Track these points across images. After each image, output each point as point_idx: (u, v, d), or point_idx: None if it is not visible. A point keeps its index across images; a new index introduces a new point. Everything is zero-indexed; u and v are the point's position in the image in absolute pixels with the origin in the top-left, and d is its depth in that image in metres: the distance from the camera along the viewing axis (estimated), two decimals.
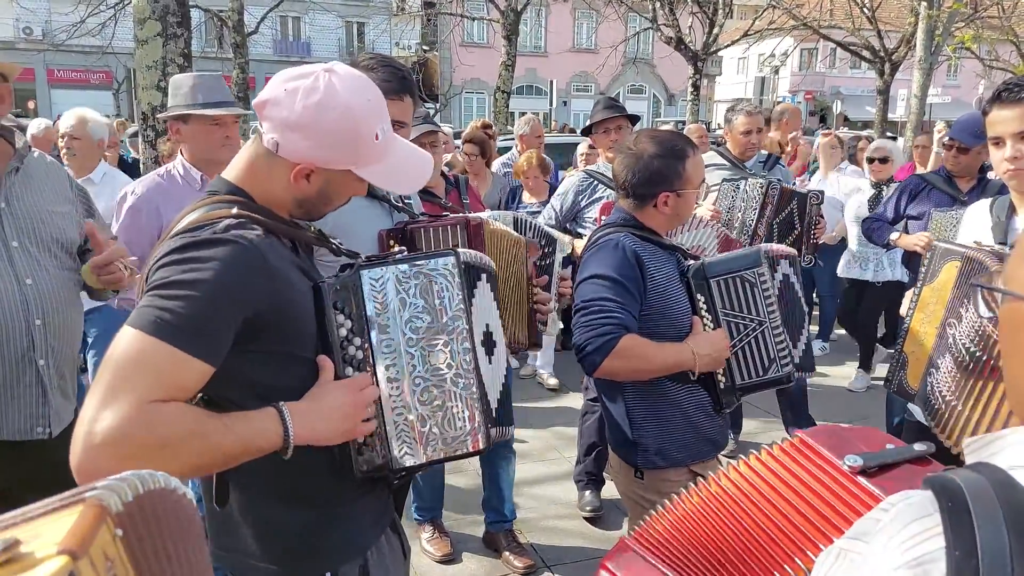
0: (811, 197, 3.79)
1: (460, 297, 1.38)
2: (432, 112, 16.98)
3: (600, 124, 3.77)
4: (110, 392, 1.09)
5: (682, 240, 2.88)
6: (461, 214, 2.25)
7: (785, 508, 1.23)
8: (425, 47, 29.20)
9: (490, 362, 1.47)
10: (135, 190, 2.69)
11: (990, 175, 3.72)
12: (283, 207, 1.37)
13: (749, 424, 4.60)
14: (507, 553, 3.27)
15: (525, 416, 4.60)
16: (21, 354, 1.98)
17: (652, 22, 17.84)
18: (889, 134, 9.05)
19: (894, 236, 3.89)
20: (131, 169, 5.85)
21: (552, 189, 4.87)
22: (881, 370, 4.92)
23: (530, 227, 2.40)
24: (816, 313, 6.24)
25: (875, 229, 4.03)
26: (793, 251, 2.22)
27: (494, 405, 1.46)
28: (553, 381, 5.33)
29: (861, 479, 1.16)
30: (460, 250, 1.43)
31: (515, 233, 2.24)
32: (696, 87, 17.59)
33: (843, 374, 5.59)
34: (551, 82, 21.16)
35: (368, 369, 1.35)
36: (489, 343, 1.48)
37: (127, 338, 1.14)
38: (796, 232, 3.75)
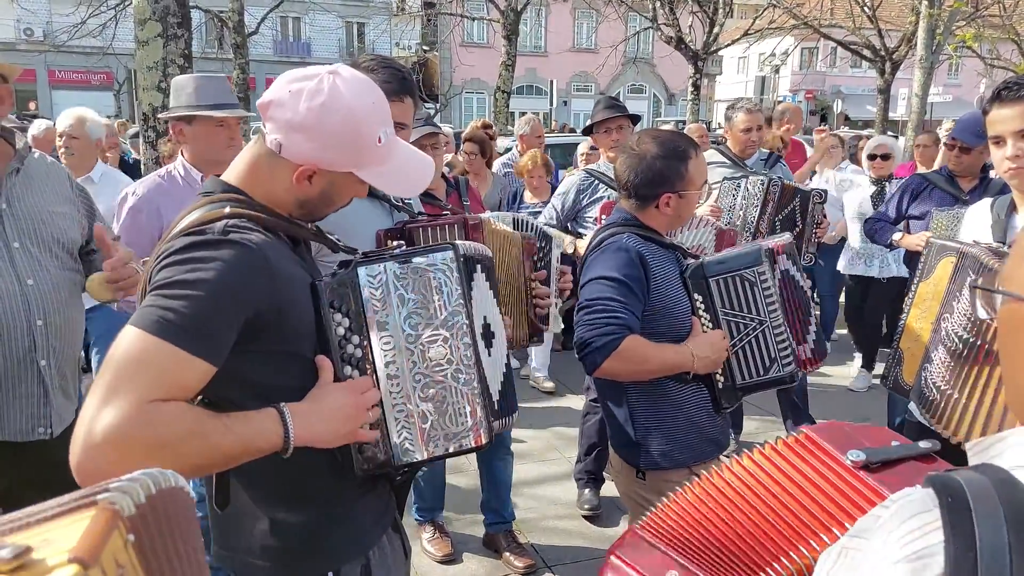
0: (814, 195, 3.79)
1: (459, 292, 1.37)
2: (432, 112, 16.99)
3: (601, 124, 3.77)
4: (111, 391, 1.10)
5: (682, 239, 2.88)
6: (460, 214, 2.25)
7: (787, 500, 1.23)
8: (425, 47, 29.22)
9: (489, 354, 1.46)
10: (136, 191, 2.69)
11: (992, 174, 3.71)
12: (284, 208, 1.37)
13: (749, 424, 4.60)
14: (507, 553, 3.28)
15: (525, 416, 4.60)
16: (22, 354, 1.98)
17: (652, 22, 17.85)
18: (890, 133, 9.04)
19: (896, 236, 3.89)
20: (132, 170, 5.86)
21: (553, 189, 4.87)
22: (881, 370, 4.91)
23: (527, 226, 2.40)
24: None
25: (877, 230, 4.03)
26: (790, 238, 2.19)
27: (496, 397, 1.46)
28: (549, 384, 5.32)
29: (863, 474, 1.16)
30: (458, 242, 1.43)
31: (510, 230, 2.24)
32: (696, 87, 17.60)
33: (844, 374, 5.59)
34: (551, 82, 21.16)
35: (368, 367, 1.35)
36: (488, 334, 1.47)
37: (129, 337, 1.14)
38: (798, 229, 3.74)
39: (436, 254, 1.37)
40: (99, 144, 4.16)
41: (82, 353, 2.38)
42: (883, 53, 16.92)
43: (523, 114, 7.37)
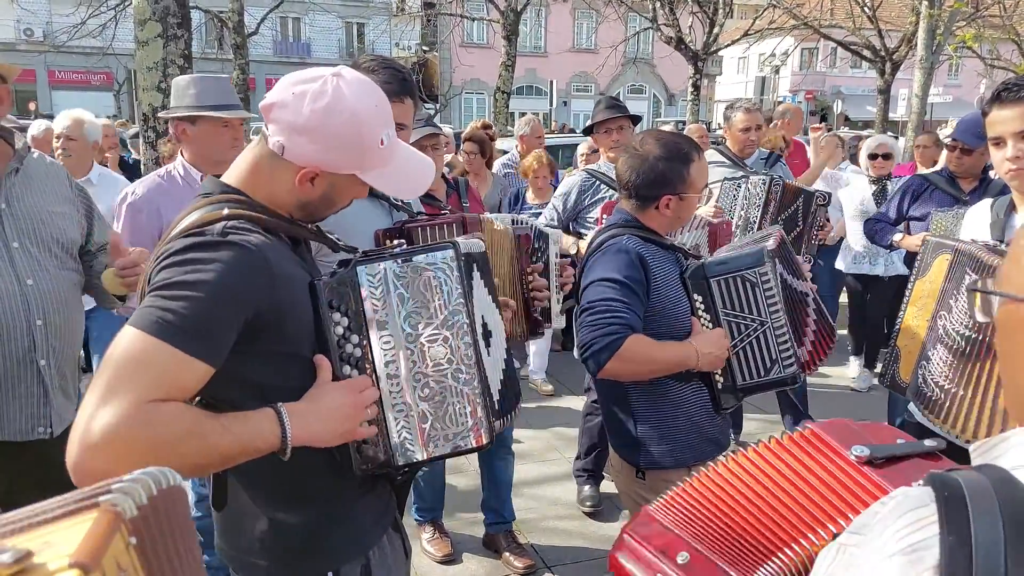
0: (817, 197, 3.78)
1: (459, 291, 1.36)
2: (432, 113, 16.99)
3: (602, 124, 3.77)
4: (109, 391, 1.09)
5: (681, 240, 2.88)
6: (458, 214, 2.25)
7: (792, 491, 1.23)
8: (425, 48, 29.21)
9: (488, 354, 1.46)
10: (135, 190, 2.69)
11: (992, 175, 3.71)
12: (285, 209, 1.37)
13: (749, 424, 4.59)
14: (507, 553, 3.27)
15: (525, 416, 4.60)
16: (22, 354, 1.98)
17: (652, 22, 17.85)
18: (890, 134, 9.04)
19: (897, 237, 3.89)
20: (132, 170, 5.86)
21: (553, 190, 4.86)
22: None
23: (526, 226, 2.40)
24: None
25: (878, 231, 4.03)
26: (779, 231, 2.18)
27: (496, 397, 1.45)
28: (548, 388, 5.31)
29: (867, 469, 1.16)
30: (459, 239, 1.42)
31: (505, 226, 2.23)
32: (696, 87, 17.61)
33: (844, 374, 5.59)
34: (551, 82, 21.16)
35: (367, 367, 1.34)
36: (486, 333, 1.47)
37: (128, 337, 1.14)
38: (798, 230, 3.74)
39: (436, 253, 1.36)
40: (96, 146, 4.16)
41: (82, 353, 2.38)
42: (883, 53, 16.92)
43: (523, 114, 7.37)
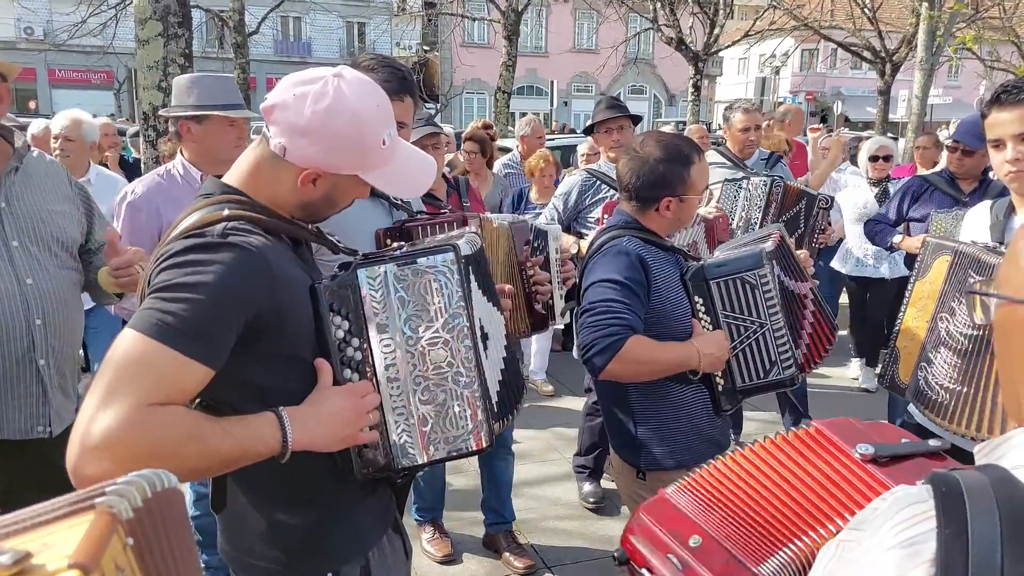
0: (820, 200, 3.78)
1: (460, 294, 1.36)
2: (432, 113, 16.98)
3: (602, 124, 3.77)
4: (109, 393, 1.09)
5: (677, 239, 2.88)
6: (459, 212, 2.25)
7: (798, 485, 1.24)
8: (426, 47, 29.23)
9: (486, 356, 1.46)
10: (135, 190, 2.69)
11: (992, 176, 3.72)
12: (287, 210, 1.37)
13: (749, 425, 4.59)
14: (507, 554, 3.28)
15: (525, 416, 4.60)
16: (21, 354, 1.98)
17: (653, 22, 17.85)
18: (890, 135, 9.05)
19: (897, 239, 3.89)
20: (132, 169, 5.86)
21: (555, 189, 4.86)
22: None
23: (524, 223, 2.39)
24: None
25: (878, 232, 4.03)
26: (779, 231, 2.18)
27: (495, 399, 1.45)
28: (548, 388, 5.31)
29: (871, 467, 1.17)
30: (458, 241, 1.41)
31: (502, 222, 2.23)
32: (697, 87, 17.60)
33: (844, 374, 5.59)
34: (552, 82, 21.17)
35: (367, 370, 1.34)
36: (483, 336, 1.46)
37: (128, 340, 1.14)
38: (800, 232, 3.74)
39: (436, 256, 1.36)
40: (94, 147, 4.16)
41: (81, 352, 2.38)
42: (883, 55, 16.92)
43: (523, 115, 7.37)
